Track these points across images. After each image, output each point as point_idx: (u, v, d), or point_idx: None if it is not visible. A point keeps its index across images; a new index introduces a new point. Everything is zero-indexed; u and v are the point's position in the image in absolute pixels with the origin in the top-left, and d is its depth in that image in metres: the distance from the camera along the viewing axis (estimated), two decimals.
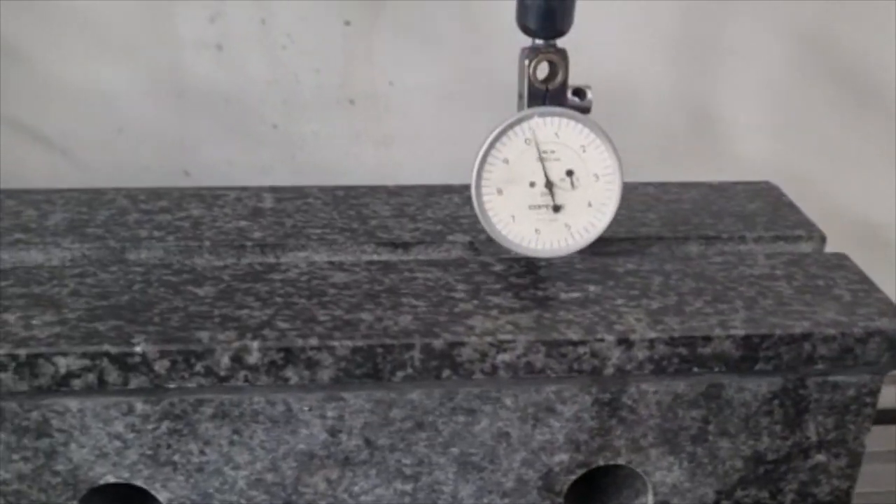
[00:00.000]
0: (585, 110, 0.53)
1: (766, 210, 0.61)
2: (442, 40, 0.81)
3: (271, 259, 0.55)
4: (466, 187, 0.62)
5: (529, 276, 0.53)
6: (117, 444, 0.50)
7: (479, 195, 0.53)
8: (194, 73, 0.87)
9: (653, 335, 0.48)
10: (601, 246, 0.55)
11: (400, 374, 0.48)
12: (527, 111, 0.52)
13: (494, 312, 0.50)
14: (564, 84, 0.53)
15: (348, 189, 0.62)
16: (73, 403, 0.48)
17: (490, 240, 0.55)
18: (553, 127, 0.52)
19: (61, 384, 0.47)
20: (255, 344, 0.46)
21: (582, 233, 0.54)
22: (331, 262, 0.53)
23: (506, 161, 0.52)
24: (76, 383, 0.47)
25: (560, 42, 0.52)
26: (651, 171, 0.83)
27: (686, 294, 0.52)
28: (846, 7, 0.80)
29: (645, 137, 0.85)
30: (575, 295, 0.51)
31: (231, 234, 0.56)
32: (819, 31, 0.81)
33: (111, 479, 0.50)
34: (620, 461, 0.53)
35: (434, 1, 0.82)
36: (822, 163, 0.87)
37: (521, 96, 0.53)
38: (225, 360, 0.47)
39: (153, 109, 0.89)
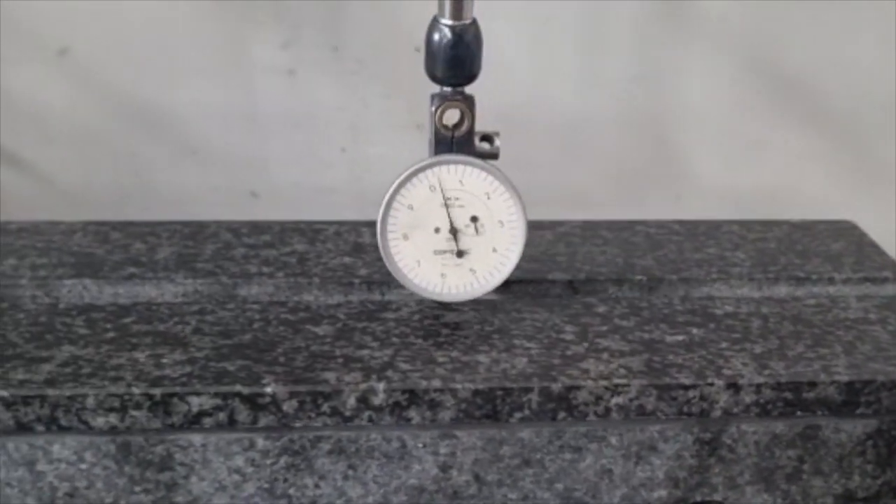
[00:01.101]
0: (493, 156, 0.54)
1: (850, 250, 0.62)
2: (509, 67, 0.82)
3: (377, 296, 0.57)
4: (557, 223, 0.64)
5: (633, 317, 0.55)
6: (236, 477, 0.51)
7: (384, 240, 0.53)
8: (266, 97, 0.88)
9: (760, 380, 0.50)
10: (696, 286, 0.57)
11: (517, 415, 0.50)
12: (431, 159, 0.53)
13: (605, 356, 0.51)
14: (471, 131, 0.53)
15: None
16: (197, 438, 0.50)
17: (590, 279, 0.57)
18: (458, 174, 0.53)
19: (192, 422, 0.48)
20: (381, 386, 0.48)
21: (487, 277, 0.55)
22: (438, 302, 0.55)
23: (410, 207, 0.53)
24: (207, 421, 0.48)
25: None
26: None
27: (786, 338, 0.53)
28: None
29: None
30: (680, 338, 0.53)
31: (338, 270, 0.57)
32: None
33: None
34: (717, 497, 0.54)
35: (505, 29, 0.83)
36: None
37: (430, 142, 0.54)
38: (351, 402, 0.48)
39: (225, 131, 0.90)
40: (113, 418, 0.48)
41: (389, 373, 0.49)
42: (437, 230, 0.54)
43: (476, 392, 0.49)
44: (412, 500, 0.53)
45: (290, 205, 0.92)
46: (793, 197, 0.88)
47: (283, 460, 0.51)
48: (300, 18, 0.85)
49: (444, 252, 0.54)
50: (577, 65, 0.84)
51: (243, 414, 0.48)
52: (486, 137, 0.54)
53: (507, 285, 0.58)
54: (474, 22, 0.51)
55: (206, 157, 0.94)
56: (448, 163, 0.53)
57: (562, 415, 0.50)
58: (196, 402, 0.47)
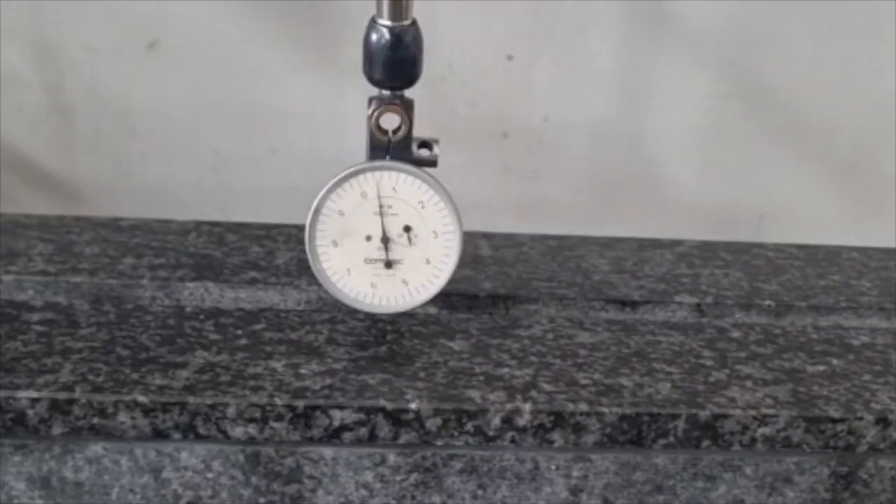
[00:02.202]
0: (432, 163, 0.52)
1: None
2: (600, 78, 0.81)
3: (501, 310, 0.55)
4: (675, 242, 0.63)
5: (769, 344, 0.53)
6: (363, 493, 0.50)
7: (312, 246, 0.51)
8: (352, 98, 0.87)
9: None
10: (825, 313, 0.56)
11: (661, 441, 0.48)
12: (364, 164, 0.51)
13: (749, 384, 0.50)
14: (409, 136, 0.51)
15: (560, 239, 0.62)
16: (328, 452, 0.49)
17: (717, 303, 0.56)
18: (391, 181, 0.51)
19: (332, 436, 0.47)
20: (527, 406, 0.47)
21: (420, 290, 0.52)
22: (570, 320, 0.54)
23: (341, 213, 0.51)
24: (347, 436, 0.47)
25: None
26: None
27: None
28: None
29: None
30: (821, 368, 0.52)
31: (461, 283, 0.56)
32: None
33: None
34: None
35: (597, 40, 0.82)
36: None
37: (367, 146, 0.52)
38: (496, 422, 0.47)
39: (307, 132, 0.89)
40: (252, 429, 0.46)
41: (534, 393, 0.47)
42: (368, 238, 0.51)
43: (623, 417, 0.47)
44: None
45: None
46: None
47: (413, 477, 0.49)
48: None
49: (376, 261, 0.52)
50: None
51: (385, 430, 0.47)
52: (425, 144, 0.52)
53: (633, 304, 0.56)
54: (414, 23, 0.48)
55: (287, 158, 0.93)
56: (382, 169, 0.51)
57: (706, 443, 0.48)
58: (338, 416, 0.46)
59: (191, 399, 0.46)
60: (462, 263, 0.56)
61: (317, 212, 0.51)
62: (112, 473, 0.49)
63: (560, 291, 0.56)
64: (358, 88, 0.82)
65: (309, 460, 0.49)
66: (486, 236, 0.62)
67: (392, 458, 0.49)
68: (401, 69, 0.49)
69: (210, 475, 0.49)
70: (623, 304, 0.56)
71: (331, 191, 0.50)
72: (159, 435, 0.47)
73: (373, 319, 0.52)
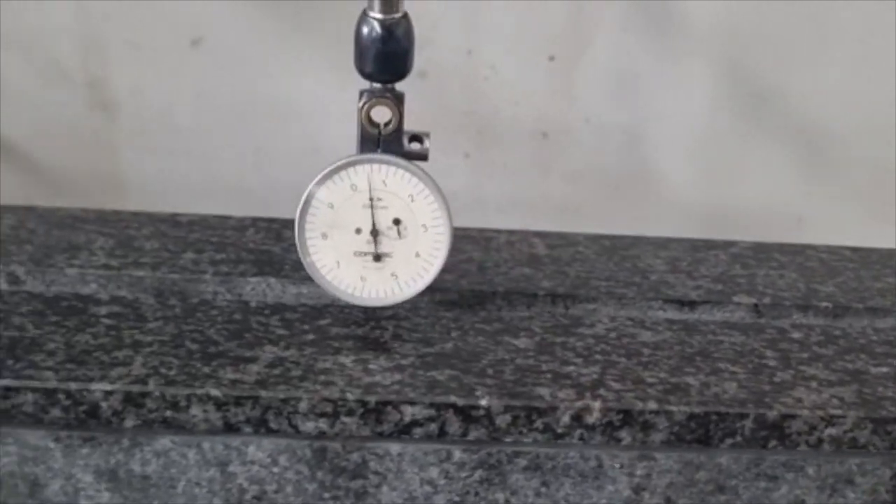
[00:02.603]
0: (423, 157, 0.52)
1: None
2: (641, 79, 0.81)
3: (561, 309, 0.56)
4: (729, 243, 0.63)
5: (830, 345, 0.54)
6: (427, 489, 0.50)
7: (302, 238, 0.51)
8: None
9: None
10: (882, 315, 0.56)
11: (728, 441, 0.48)
12: (354, 156, 0.51)
13: (814, 384, 0.50)
14: (400, 130, 0.51)
15: (614, 238, 0.62)
16: (395, 448, 0.49)
17: (775, 304, 0.56)
18: (381, 174, 0.51)
19: (402, 431, 0.47)
20: (597, 404, 0.47)
21: (409, 283, 0.52)
22: (630, 319, 0.54)
23: (331, 206, 0.51)
24: (417, 431, 0.47)
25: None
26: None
27: None
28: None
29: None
30: (884, 370, 0.52)
31: (520, 281, 0.56)
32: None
33: None
34: None
35: (639, 42, 0.82)
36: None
37: (357, 139, 0.51)
38: (565, 419, 0.47)
39: (350, 132, 0.89)
40: (323, 423, 0.47)
41: (602, 391, 0.48)
42: (358, 231, 0.51)
43: (691, 416, 0.47)
44: None
45: None
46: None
47: (477, 474, 0.50)
48: (436, 19, 0.84)
49: (365, 254, 0.52)
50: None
51: (454, 426, 0.47)
52: (416, 137, 0.52)
53: (691, 304, 0.56)
54: (406, 16, 0.48)
55: (329, 157, 0.93)
56: (371, 161, 0.50)
57: (772, 443, 0.48)
58: (409, 412, 0.46)
59: (263, 393, 0.46)
60: (519, 262, 0.57)
61: (306, 204, 0.51)
62: (179, 467, 0.49)
63: (619, 291, 0.57)
64: (402, 85, 0.82)
65: (375, 455, 0.49)
66: (540, 235, 0.62)
67: (458, 454, 0.49)
68: (392, 62, 0.49)
69: (276, 469, 0.49)
70: (681, 303, 0.57)
71: (320, 183, 0.50)
72: (230, 429, 0.47)
73: (436, 316, 0.53)
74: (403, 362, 0.49)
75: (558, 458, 0.50)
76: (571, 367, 0.50)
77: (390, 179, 0.50)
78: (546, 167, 0.90)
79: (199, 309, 0.52)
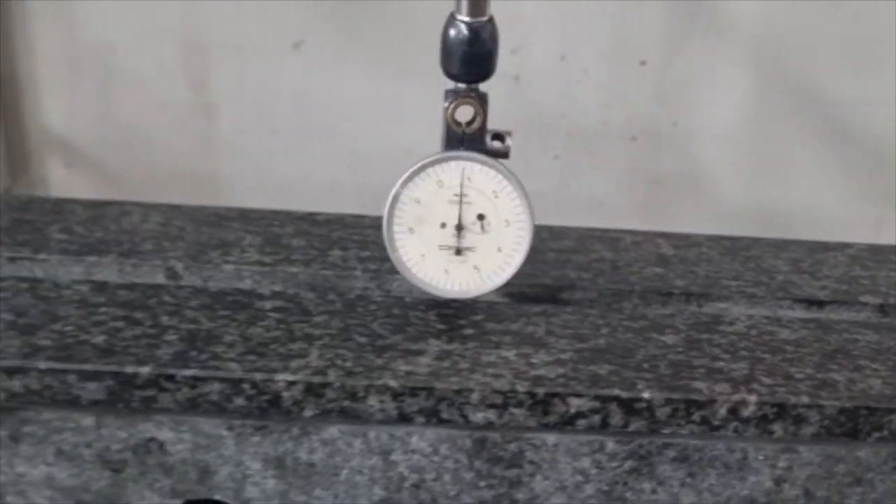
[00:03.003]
0: (504, 154, 0.53)
1: None
2: (732, 84, 0.83)
3: (694, 307, 0.58)
4: (844, 245, 0.65)
5: None
6: (578, 478, 0.52)
7: (390, 232, 0.53)
8: (491, 99, 0.89)
9: None
10: None
11: (875, 435, 0.51)
12: (440, 154, 0.53)
13: None
14: (483, 128, 0.53)
15: (733, 240, 0.64)
16: (551, 438, 0.51)
17: None
18: (465, 171, 0.53)
19: (566, 423, 0.49)
20: (753, 398, 0.49)
21: (491, 276, 0.54)
22: (766, 317, 0.56)
23: (417, 201, 0.53)
24: (580, 423, 0.49)
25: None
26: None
27: None
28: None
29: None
30: None
31: (654, 280, 0.59)
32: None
33: None
34: None
35: (730, 46, 0.84)
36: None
37: (442, 137, 0.53)
38: (722, 412, 0.49)
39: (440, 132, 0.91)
40: (491, 414, 0.49)
41: (755, 385, 0.50)
42: (443, 225, 0.53)
43: (841, 410, 0.49)
44: None
45: None
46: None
47: (627, 464, 0.52)
48: (532, 25, 0.86)
49: (450, 248, 0.54)
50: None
51: (616, 417, 0.49)
52: (498, 136, 0.53)
53: (819, 303, 0.59)
54: (491, 19, 0.50)
55: (422, 156, 0.95)
56: (457, 159, 0.52)
57: None
58: (575, 404, 0.49)
59: (438, 384, 0.48)
60: (649, 261, 0.59)
61: (395, 200, 0.53)
62: (344, 455, 0.51)
63: (749, 290, 0.59)
64: (494, 91, 0.85)
65: (531, 446, 0.51)
66: (663, 236, 0.64)
67: (610, 445, 0.52)
68: (477, 63, 0.51)
69: (436, 458, 0.51)
70: (810, 303, 0.59)
71: (408, 179, 0.52)
72: (403, 419, 0.49)
73: (583, 314, 0.55)
74: (563, 357, 0.51)
75: (705, 450, 0.52)
76: (721, 363, 0.52)
77: (475, 176, 0.53)
78: (633, 169, 0.92)
79: (357, 304, 0.54)
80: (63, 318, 0.51)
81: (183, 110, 0.88)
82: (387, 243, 0.53)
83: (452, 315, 0.54)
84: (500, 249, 0.53)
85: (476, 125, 0.52)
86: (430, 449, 0.51)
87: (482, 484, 0.52)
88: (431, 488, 0.52)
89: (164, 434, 0.51)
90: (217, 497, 0.52)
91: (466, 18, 0.50)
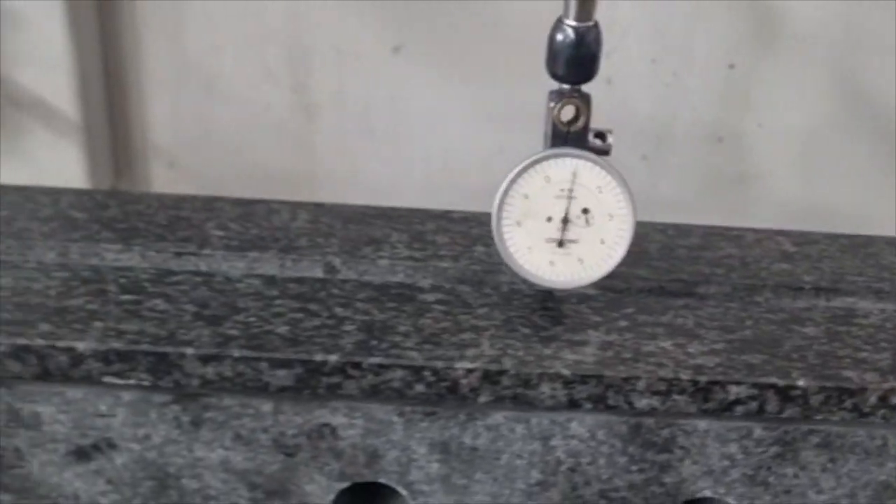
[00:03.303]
0: (605, 152, 0.56)
1: None
2: (818, 85, 0.86)
3: (823, 300, 0.61)
4: None
5: None
6: (725, 463, 0.55)
7: (499, 226, 0.56)
8: None
9: None
10: None
11: None
12: (548, 151, 0.56)
13: None
14: (586, 127, 0.56)
15: (850, 237, 0.67)
16: (702, 424, 0.54)
17: None
18: (571, 167, 0.56)
19: (725, 409, 0.53)
20: None
21: (594, 268, 0.57)
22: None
23: (525, 196, 0.56)
24: (738, 409, 0.53)
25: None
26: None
27: None
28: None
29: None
30: None
31: (782, 275, 0.62)
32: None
33: (707, 494, 0.56)
34: None
35: (814, 50, 0.87)
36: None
37: (545, 136, 0.56)
38: (872, 399, 0.53)
39: (533, 133, 0.94)
40: (655, 401, 0.52)
41: None
42: (549, 219, 0.56)
43: None
44: (875, 496, 0.57)
45: None
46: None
47: (772, 450, 0.55)
48: (626, 29, 0.89)
49: (554, 240, 0.57)
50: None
51: (773, 404, 0.52)
52: (599, 134, 0.57)
53: None
54: (596, 24, 0.53)
55: (513, 158, 0.98)
56: (564, 156, 0.56)
57: None
58: (734, 391, 0.52)
59: (607, 372, 0.51)
60: (774, 258, 0.62)
61: (505, 194, 0.56)
62: (506, 440, 0.54)
63: (875, 286, 0.62)
64: (590, 90, 0.88)
65: (683, 432, 0.54)
66: (783, 234, 0.67)
67: (758, 431, 0.55)
68: (582, 65, 0.54)
69: (593, 443, 0.54)
70: None
71: (518, 175, 0.56)
72: (572, 405, 0.52)
73: (725, 307, 0.58)
74: (716, 347, 0.54)
75: (847, 437, 0.55)
76: (865, 353, 0.55)
77: (580, 172, 0.56)
78: (718, 170, 0.95)
79: (513, 297, 0.57)
80: (244, 309, 0.54)
81: (284, 112, 0.91)
82: (495, 236, 0.56)
83: (604, 308, 0.57)
84: (602, 242, 0.57)
85: (580, 124, 0.56)
86: (588, 434, 0.54)
87: (634, 468, 0.55)
88: (586, 472, 0.55)
89: (338, 419, 0.54)
90: (382, 480, 0.55)
91: (573, 23, 0.53)
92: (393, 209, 0.66)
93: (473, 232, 0.63)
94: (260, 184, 0.95)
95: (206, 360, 0.50)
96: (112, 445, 0.54)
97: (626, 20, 0.89)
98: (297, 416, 0.53)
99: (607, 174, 0.56)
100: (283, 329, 0.52)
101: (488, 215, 0.66)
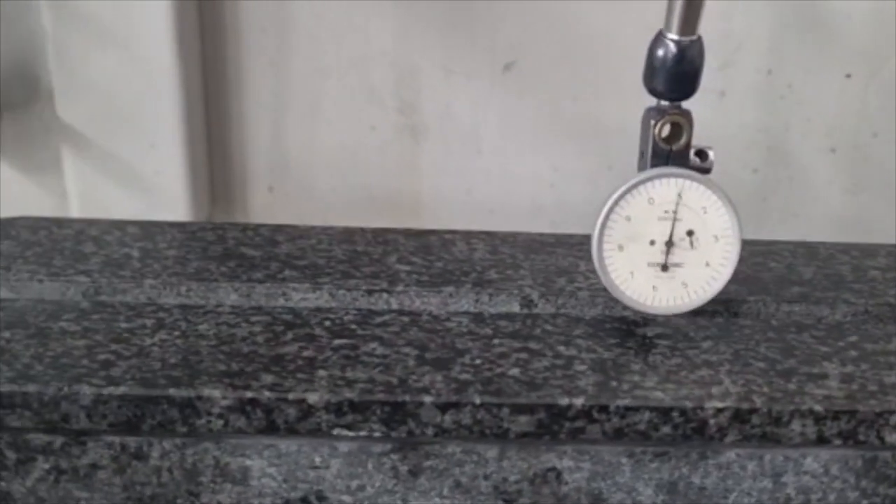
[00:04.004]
0: (706, 171, 0.54)
1: None
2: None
3: None
4: None
5: None
6: None
7: (600, 250, 0.54)
8: (694, 115, 0.90)
9: None
10: None
11: None
12: (651, 171, 0.53)
13: None
14: (688, 145, 0.54)
15: None
16: None
17: None
18: (676, 188, 0.54)
19: None
20: None
21: (699, 292, 0.55)
22: None
23: (628, 218, 0.54)
24: None
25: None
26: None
27: None
28: None
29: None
30: None
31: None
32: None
33: None
34: None
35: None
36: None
37: (642, 155, 0.54)
38: None
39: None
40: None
41: None
42: (652, 243, 0.54)
43: None
44: None
45: None
46: None
47: None
48: (741, 42, 0.87)
49: (657, 265, 0.55)
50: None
51: None
52: (701, 152, 0.54)
53: None
54: (699, 39, 0.51)
55: (623, 174, 0.96)
56: (668, 176, 0.53)
57: None
58: None
59: (860, 407, 0.49)
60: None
61: (606, 217, 0.53)
62: (736, 478, 0.52)
63: None
64: (698, 107, 0.85)
65: None
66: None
67: None
68: (684, 81, 0.52)
69: (825, 479, 0.52)
70: None
71: (621, 197, 0.53)
72: (821, 441, 0.50)
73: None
74: None
75: None
76: None
77: (685, 192, 0.53)
78: (830, 181, 0.93)
79: (731, 327, 0.55)
80: (465, 350, 0.51)
81: (390, 133, 0.88)
82: (595, 261, 0.54)
83: (826, 336, 0.54)
84: (707, 264, 0.54)
85: (682, 142, 0.53)
86: (822, 470, 0.52)
87: (864, 502, 0.53)
88: None
89: (565, 463, 0.51)
90: None
91: (675, 37, 0.51)
92: (568, 236, 0.63)
93: None
94: (363, 207, 0.92)
95: (444, 408, 0.47)
96: (322, 498, 0.51)
97: (741, 32, 0.86)
98: (523, 461, 0.50)
99: (712, 194, 0.53)
100: (514, 371, 0.49)
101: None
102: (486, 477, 0.51)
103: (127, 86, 0.82)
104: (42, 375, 0.47)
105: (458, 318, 0.54)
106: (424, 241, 0.61)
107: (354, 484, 0.51)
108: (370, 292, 0.56)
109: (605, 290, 0.57)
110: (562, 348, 0.52)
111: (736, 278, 0.54)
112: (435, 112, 0.89)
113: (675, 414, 0.48)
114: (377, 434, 0.48)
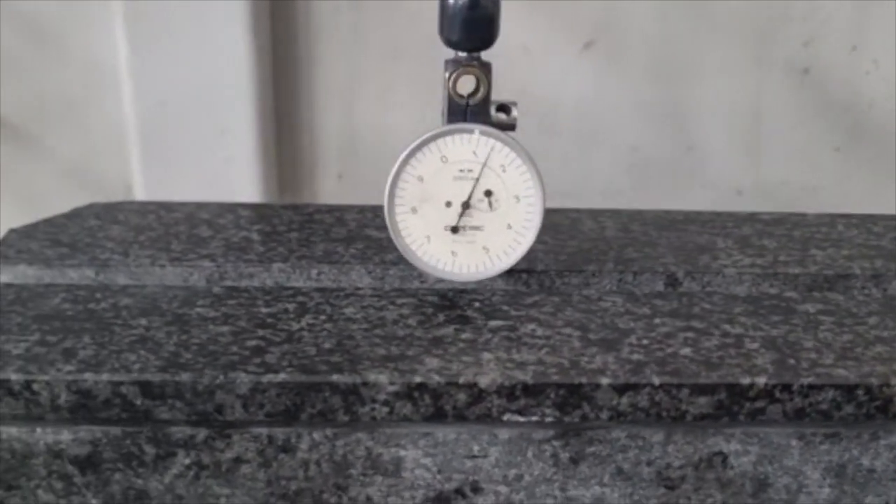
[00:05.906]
0: (510, 127, 0.51)
1: None
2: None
3: None
4: None
5: None
6: None
7: (391, 213, 0.51)
8: (775, 95, 0.88)
9: None
10: None
11: None
12: (443, 127, 0.50)
13: None
14: (487, 99, 0.50)
15: None
16: None
17: None
18: (471, 145, 0.50)
19: None
20: None
21: (501, 256, 0.52)
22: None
23: (420, 179, 0.50)
24: None
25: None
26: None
27: None
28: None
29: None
30: None
31: None
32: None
33: None
34: None
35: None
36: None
37: (442, 112, 0.51)
38: None
39: (726, 129, 0.90)
40: None
41: None
42: (448, 204, 0.51)
43: None
44: None
45: (774, 203, 0.91)
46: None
47: None
48: (826, 17, 0.85)
49: (456, 228, 0.51)
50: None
51: None
52: (503, 107, 0.51)
53: None
54: None
55: (703, 155, 0.94)
56: (461, 132, 0.50)
57: None
58: None
59: None
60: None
61: (396, 177, 0.50)
62: None
63: None
64: (781, 85, 0.83)
65: None
66: None
67: None
68: (478, 30, 0.49)
69: None
70: None
71: (410, 155, 0.50)
72: None
73: None
74: None
75: None
76: None
77: (481, 149, 0.50)
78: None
79: (891, 302, 0.52)
80: (629, 330, 0.48)
81: None
82: (388, 226, 0.50)
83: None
84: (509, 227, 0.51)
85: (480, 96, 0.49)
86: None
87: None
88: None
89: (732, 447, 0.48)
90: None
91: None
92: (697, 213, 0.60)
93: (796, 234, 0.58)
94: None
95: (622, 390, 0.44)
96: (477, 489, 0.48)
97: (826, 8, 0.84)
98: (689, 444, 0.48)
99: (511, 151, 0.50)
100: (685, 350, 0.46)
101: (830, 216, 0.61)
102: (649, 463, 0.48)
103: (197, 71, 0.79)
104: (192, 364, 0.44)
105: (612, 298, 0.51)
106: (551, 220, 0.58)
107: (512, 473, 0.48)
108: (510, 273, 0.53)
109: (750, 266, 0.54)
110: (727, 327, 0.49)
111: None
112: (511, 92, 0.86)
113: (860, 392, 0.45)
114: (549, 419, 0.45)
